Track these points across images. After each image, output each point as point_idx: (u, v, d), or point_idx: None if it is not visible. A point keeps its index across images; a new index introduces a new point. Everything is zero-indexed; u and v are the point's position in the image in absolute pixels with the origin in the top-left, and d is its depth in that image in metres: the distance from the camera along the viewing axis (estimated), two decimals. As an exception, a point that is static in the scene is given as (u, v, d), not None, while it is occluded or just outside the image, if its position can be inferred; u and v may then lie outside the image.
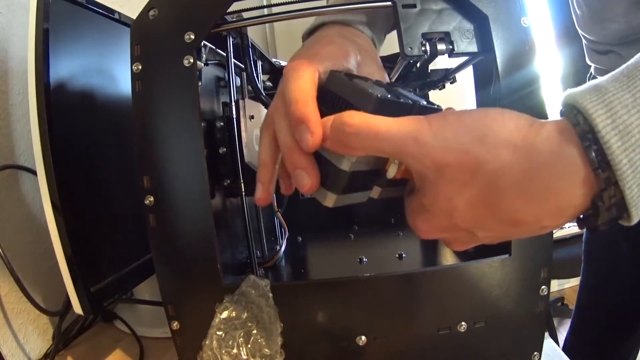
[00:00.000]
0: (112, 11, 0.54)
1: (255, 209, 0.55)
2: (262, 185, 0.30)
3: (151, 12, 0.37)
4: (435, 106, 0.29)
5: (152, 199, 0.36)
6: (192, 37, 0.35)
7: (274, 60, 0.66)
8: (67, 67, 0.46)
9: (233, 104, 0.46)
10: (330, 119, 0.25)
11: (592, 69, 0.68)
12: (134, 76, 0.36)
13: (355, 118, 0.24)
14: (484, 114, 0.24)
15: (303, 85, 0.27)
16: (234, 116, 0.46)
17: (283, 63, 0.72)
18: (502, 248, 0.36)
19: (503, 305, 0.37)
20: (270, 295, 0.36)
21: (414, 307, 0.37)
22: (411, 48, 0.35)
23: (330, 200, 0.27)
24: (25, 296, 0.50)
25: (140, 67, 0.36)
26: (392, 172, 0.26)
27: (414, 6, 0.36)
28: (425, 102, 0.29)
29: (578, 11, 0.61)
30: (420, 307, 0.37)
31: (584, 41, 0.65)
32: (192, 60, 0.35)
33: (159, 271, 0.37)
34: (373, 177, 0.28)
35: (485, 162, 0.23)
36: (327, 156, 0.26)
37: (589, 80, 0.70)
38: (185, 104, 0.35)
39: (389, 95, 0.25)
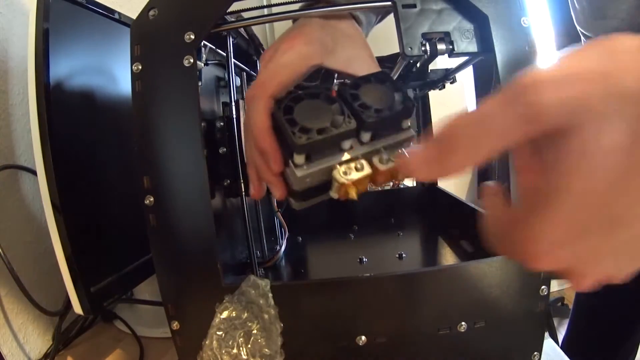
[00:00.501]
0: (112, 11, 0.54)
1: (255, 208, 0.55)
2: (252, 183, 0.34)
3: (151, 12, 0.37)
4: (405, 105, 0.27)
5: (152, 199, 0.36)
6: (192, 37, 0.35)
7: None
8: (67, 67, 0.46)
9: (233, 104, 0.46)
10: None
11: None
12: (134, 76, 0.36)
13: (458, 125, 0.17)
14: (595, 40, 0.17)
15: (258, 118, 0.29)
16: (234, 116, 0.46)
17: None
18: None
19: (503, 305, 0.37)
20: (270, 295, 0.36)
21: (414, 307, 0.37)
22: (411, 48, 0.35)
23: (294, 205, 0.31)
24: (25, 296, 0.50)
25: (140, 67, 0.36)
26: (334, 194, 0.27)
27: (414, 6, 0.36)
28: (399, 97, 0.27)
29: (577, 6, 0.60)
30: (420, 307, 0.37)
31: (582, 39, 0.64)
32: (192, 61, 0.35)
33: (159, 271, 0.37)
34: (326, 186, 0.28)
35: (624, 76, 0.15)
36: (284, 175, 0.29)
37: None
38: (185, 104, 0.35)
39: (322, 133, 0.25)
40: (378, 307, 0.37)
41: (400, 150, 0.27)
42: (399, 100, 0.27)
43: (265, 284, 0.36)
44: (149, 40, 0.36)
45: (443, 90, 0.67)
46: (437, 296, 0.37)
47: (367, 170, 0.26)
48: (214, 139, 0.46)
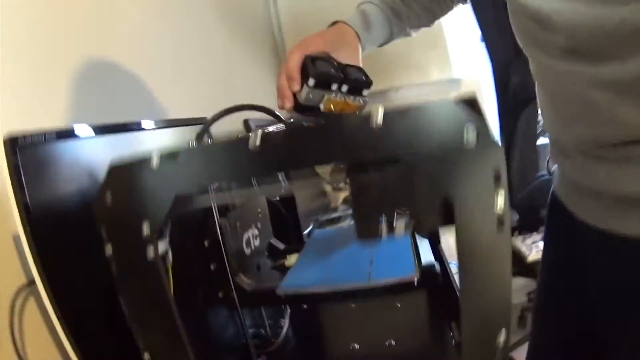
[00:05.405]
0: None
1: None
2: (280, 99, 0.53)
3: (107, 195, 0.35)
4: (367, 81, 0.53)
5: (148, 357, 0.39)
6: (148, 231, 0.34)
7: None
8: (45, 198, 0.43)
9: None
10: None
11: None
12: (108, 258, 0.36)
13: None
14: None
15: (294, 59, 0.50)
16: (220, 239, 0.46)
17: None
18: None
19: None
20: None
21: None
22: None
23: (294, 116, 0.54)
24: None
25: (111, 250, 0.36)
26: (322, 106, 0.50)
27: None
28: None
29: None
30: None
31: None
32: (152, 255, 0.34)
33: None
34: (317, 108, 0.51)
35: None
36: (297, 96, 0.51)
37: None
38: (154, 294, 0.35)
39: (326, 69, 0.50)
40: None
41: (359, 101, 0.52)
42: (366, 80, 0.52)
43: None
44: (112, 224, 0.35)
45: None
46: None
47: (341, 100, 0.51)
48: (206, 256, 0.47)
